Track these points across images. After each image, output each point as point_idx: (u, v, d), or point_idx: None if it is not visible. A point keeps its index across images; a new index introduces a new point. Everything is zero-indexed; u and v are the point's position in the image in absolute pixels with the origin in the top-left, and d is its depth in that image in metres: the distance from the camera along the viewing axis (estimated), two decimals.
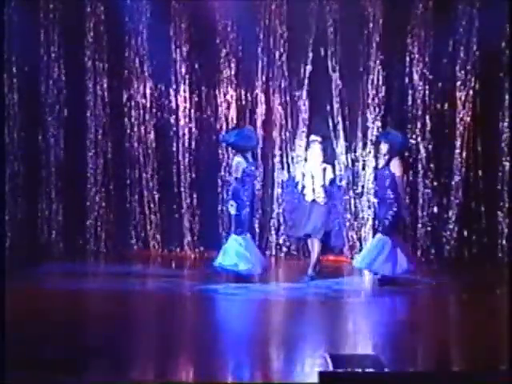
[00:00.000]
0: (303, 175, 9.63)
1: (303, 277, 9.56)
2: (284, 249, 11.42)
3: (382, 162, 9.53)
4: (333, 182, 9.60)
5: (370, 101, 11.01)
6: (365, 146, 11.01)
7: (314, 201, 9.54)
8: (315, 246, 9.61)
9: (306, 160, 9.91)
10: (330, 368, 5.58)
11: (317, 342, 7.06)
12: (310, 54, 11.10)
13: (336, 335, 7.34)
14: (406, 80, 11.02)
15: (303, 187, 9.58)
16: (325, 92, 11.15)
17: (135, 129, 11.52)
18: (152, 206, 11.56)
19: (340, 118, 11.08)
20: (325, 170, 9.60)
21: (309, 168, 9.64)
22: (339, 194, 9.78)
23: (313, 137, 9.95)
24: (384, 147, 9.27)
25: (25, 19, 11.15)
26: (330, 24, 11.02)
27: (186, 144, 11.46)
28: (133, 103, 11.52)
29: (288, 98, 11.28)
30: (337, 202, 9.65)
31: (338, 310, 8.53)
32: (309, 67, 11.12)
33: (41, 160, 11.55)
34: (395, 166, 9.08)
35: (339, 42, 11.05)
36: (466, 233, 10.92)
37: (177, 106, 11.48)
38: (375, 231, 10.01)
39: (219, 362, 6.30)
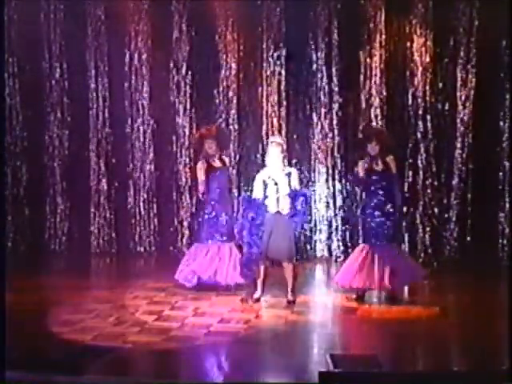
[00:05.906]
0: (265, 183, 8.35)
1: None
2: None
3: (373, 164, 8.58)
4: (297, 189, 8.38)
5: (370, 100, 11.03)
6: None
7: (278, 213, 8.31)
8: (288, 270, 8.44)
9: (265, 165, 8.60)
10: (331, 368, 5.59)
11: None
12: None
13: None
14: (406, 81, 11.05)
15: (265, 197, 8.32)
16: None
17: (135, 130, 11.54)
18: (151, 207, 11.59)
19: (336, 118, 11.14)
20: (289, 174, 8.43)
21: (270, 174, 8.41)
22: (304, 206, 8.32)
23: (272, 138, 9.05)
24: (375, 148, 8.56)
25: (25, 18, 11.16)
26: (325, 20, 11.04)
27: (186, 144, 11.48)
28: (133, 104, 11.53)
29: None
30: (299, 216, 8.29)
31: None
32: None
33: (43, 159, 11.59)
34: (391, 165, 8.72)
35: (337, 43, 11.07)
36: (465, 233, 10.92)
37: (177, 106, 11.48)
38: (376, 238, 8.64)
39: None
